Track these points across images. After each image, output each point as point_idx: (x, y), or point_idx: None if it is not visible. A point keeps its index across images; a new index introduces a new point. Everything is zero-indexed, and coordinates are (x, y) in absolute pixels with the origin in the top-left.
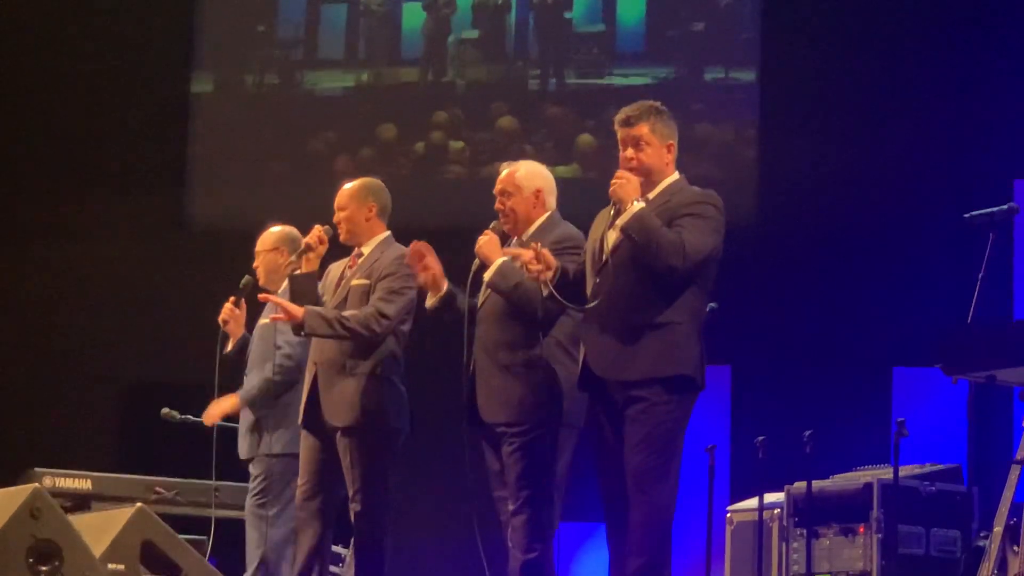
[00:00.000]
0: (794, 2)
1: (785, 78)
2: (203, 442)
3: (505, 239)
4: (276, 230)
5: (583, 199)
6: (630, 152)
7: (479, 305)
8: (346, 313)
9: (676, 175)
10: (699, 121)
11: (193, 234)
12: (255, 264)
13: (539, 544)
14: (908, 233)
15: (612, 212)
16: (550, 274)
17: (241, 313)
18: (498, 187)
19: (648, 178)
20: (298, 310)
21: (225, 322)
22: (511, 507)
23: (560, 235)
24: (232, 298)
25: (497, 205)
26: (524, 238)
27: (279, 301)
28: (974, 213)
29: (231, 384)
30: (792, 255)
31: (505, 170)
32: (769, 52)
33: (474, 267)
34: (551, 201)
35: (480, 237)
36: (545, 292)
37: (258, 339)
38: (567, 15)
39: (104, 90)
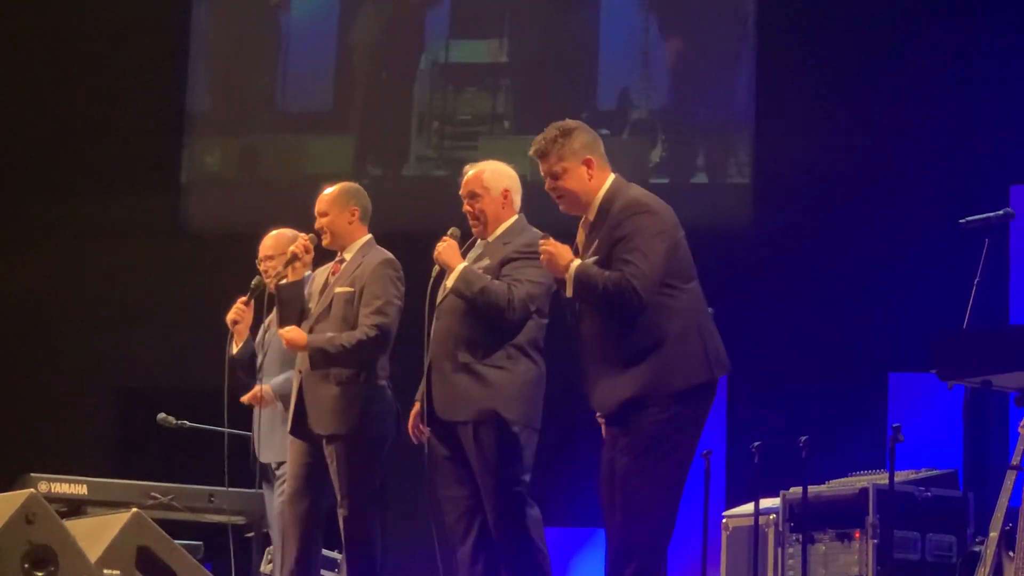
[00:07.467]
0: (791, 6)
1: (781, 83)
2: (199, 447)
3: (463, 243)
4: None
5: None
6: (548, 183)
7: (438, 302)
8: (341, 337)
9: (610, 179)
10: (695, 123)
11: (190, 239)
12: (264, 267)
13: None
14: (904, 239)
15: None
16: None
17: (250, 314)
18: (465, 189)
19: (582, 199)
20: (301, 339)
21: (235, 322)
22: (489, 508)
23: (529, 239)
24: (242, 298)
25: (465, 207)
26: (490, 240)
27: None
28: (970, 219)
29: (239, 388)
30: (787, 261)
31: (471, 171)
32: (765, 58)
33: (434, 273)
34: (518, 201)
35: (439, 243)
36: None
37: (277, 342)
38: None
39: (102, 93)
